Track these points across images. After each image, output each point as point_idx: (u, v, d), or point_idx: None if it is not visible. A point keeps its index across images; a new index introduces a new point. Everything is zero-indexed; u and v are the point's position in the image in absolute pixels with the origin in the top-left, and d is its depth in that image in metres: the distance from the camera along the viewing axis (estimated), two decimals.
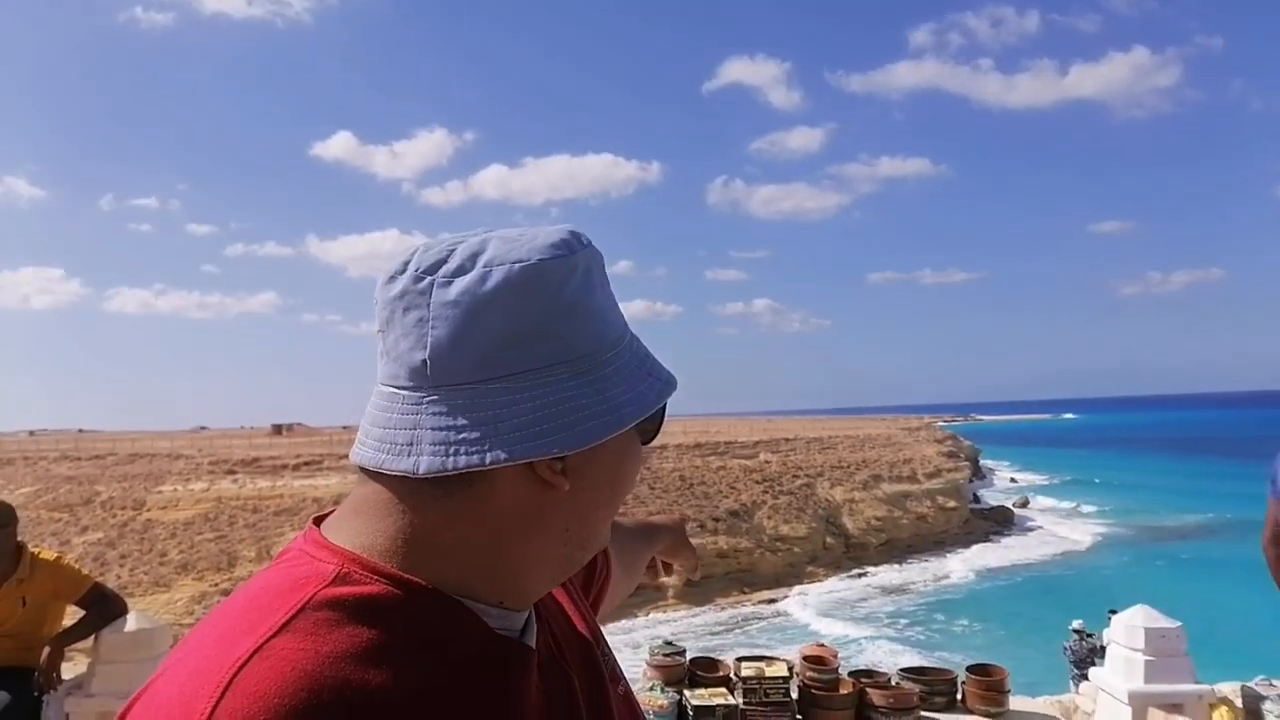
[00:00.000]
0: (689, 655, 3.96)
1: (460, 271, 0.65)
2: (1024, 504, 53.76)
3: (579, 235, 0.70)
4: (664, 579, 1.39)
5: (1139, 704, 3.97)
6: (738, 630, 28.16)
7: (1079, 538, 43.07)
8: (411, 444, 0.65)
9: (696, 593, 32.66)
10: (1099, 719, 4.39)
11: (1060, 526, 46.45)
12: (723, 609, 31.63)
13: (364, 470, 0.68)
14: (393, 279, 0.67)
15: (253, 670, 0.57)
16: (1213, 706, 4.01)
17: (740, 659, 3.84)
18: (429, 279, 0.66)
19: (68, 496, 38.08)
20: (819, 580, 35.33)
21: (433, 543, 0.66)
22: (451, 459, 0.63)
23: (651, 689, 3.64)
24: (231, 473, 41.53)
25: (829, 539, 38.40)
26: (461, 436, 0.64)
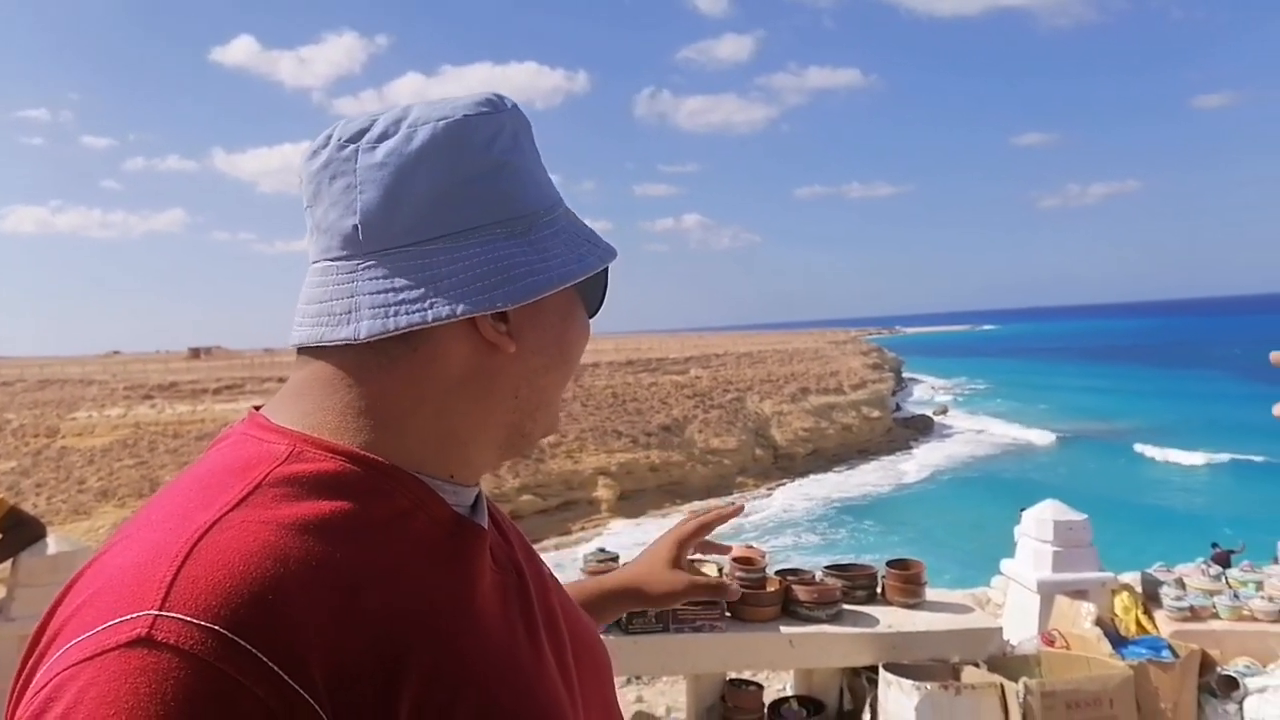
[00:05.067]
0: (622, 562, 4.05)
1: (384, 136, 0.64)
2: (943, 412, 55.79)
3: (504, 98, 0.69)
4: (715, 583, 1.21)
5: (1046, 592, 4.23)
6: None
7: (994, 441, 45.05)
8: (350, 311, 0.63)
9: (629, 505, 33.37)
10: (1009, 607, 4.67)
11: (978, 431, 48.44)
12: (656, 520, 32.43)
13: (302, 352, 0.67)
14: (316, 153, 0.66)
15: (213, 540, 0.55)
16: (1114, 592, 4.29)
17: None
18: (353, 146, 0.64)
19: None
20: (749, 489, 36.38)
21: (382, 415, 0.65)
22: (393, 319, 0.62)
23: None
24: (149, 398, 40.27)
25: (758, 450, 39.42)
26: (401, 297, 0.63)
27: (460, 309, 0.63)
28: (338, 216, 0.64)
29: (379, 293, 0.63)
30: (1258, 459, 32.29)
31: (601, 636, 3.30)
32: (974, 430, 48.99)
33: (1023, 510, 4.69)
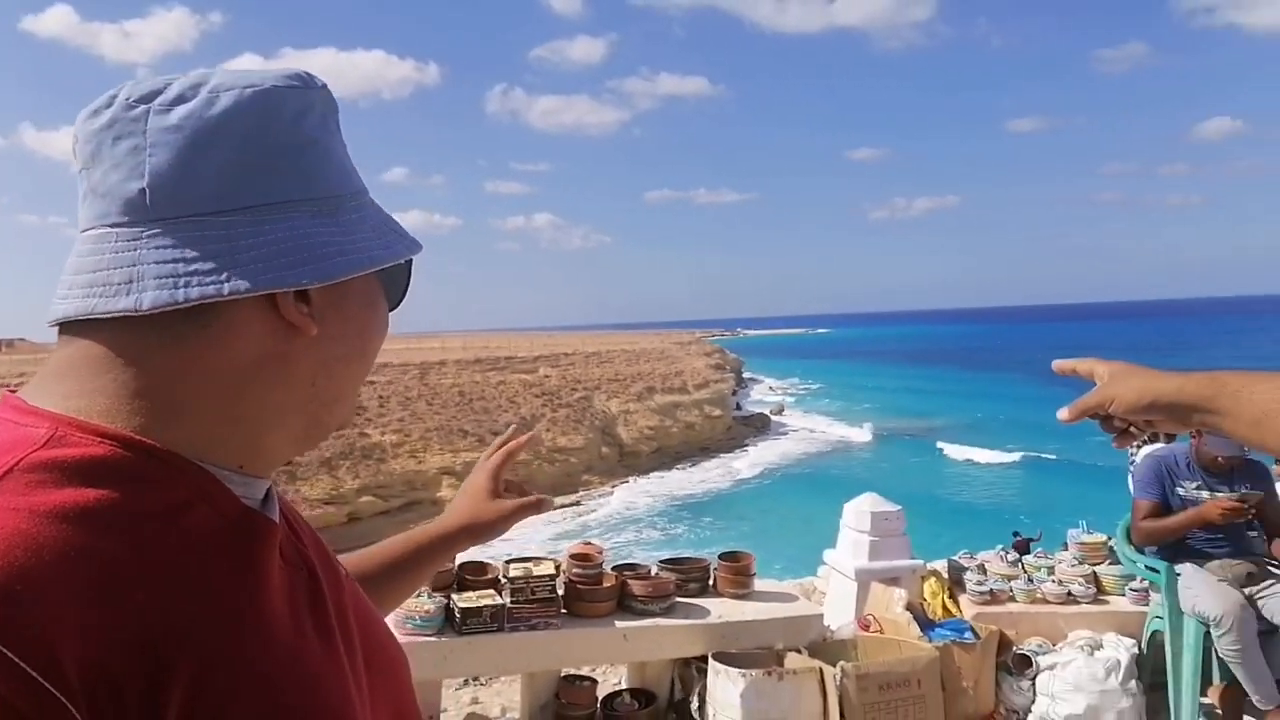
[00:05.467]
0: (457, 560, 3.98)
1: (181, 99, 0.60)
2: (779, 411, 58.21)
3: (314, 76, 0.67)
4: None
5: (863, 579, 4.49)
6: (518, 539, 28.65)
7: (825, 439, 47.45)
8: (131, 281, 0.58)
9: None
10: (830, 595, 4.92)
11: (810, 429, 50.88)
12: None
13: (66, 330, 0.60)
14: (97, 112, 0.60)
15: None
16: (924, 578, 4.61)
17: (509, 560, 3.91)
18: (144, 107, 0.60)
19: None
20: (595, 488, 36.63)
21: (163, 398, 0.59)
22: (183, 290, 0.57)
23: (418, 595, 3.64)
24: None
25: (604, 449, 39.77)
26: (193, 268, 0.57)
27: (261, 284, 0.58)
28: (120, 179, 0.59)
29: (167, 262, 0.58)
30: (1049, 457, 35.59)
31: (435, 639, 3.17)
32: (807, 428, 51.46)
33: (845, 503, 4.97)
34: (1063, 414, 1.04)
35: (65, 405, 0.58)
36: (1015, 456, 37.09)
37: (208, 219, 0.59)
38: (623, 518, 32.26)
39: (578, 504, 34.33)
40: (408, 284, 0.73)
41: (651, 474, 39.40)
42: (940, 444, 41.42)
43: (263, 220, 0.60)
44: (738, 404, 56.48)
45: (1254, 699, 3.77)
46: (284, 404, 0.64)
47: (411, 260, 0.72)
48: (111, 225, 0.59)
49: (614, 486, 37.18)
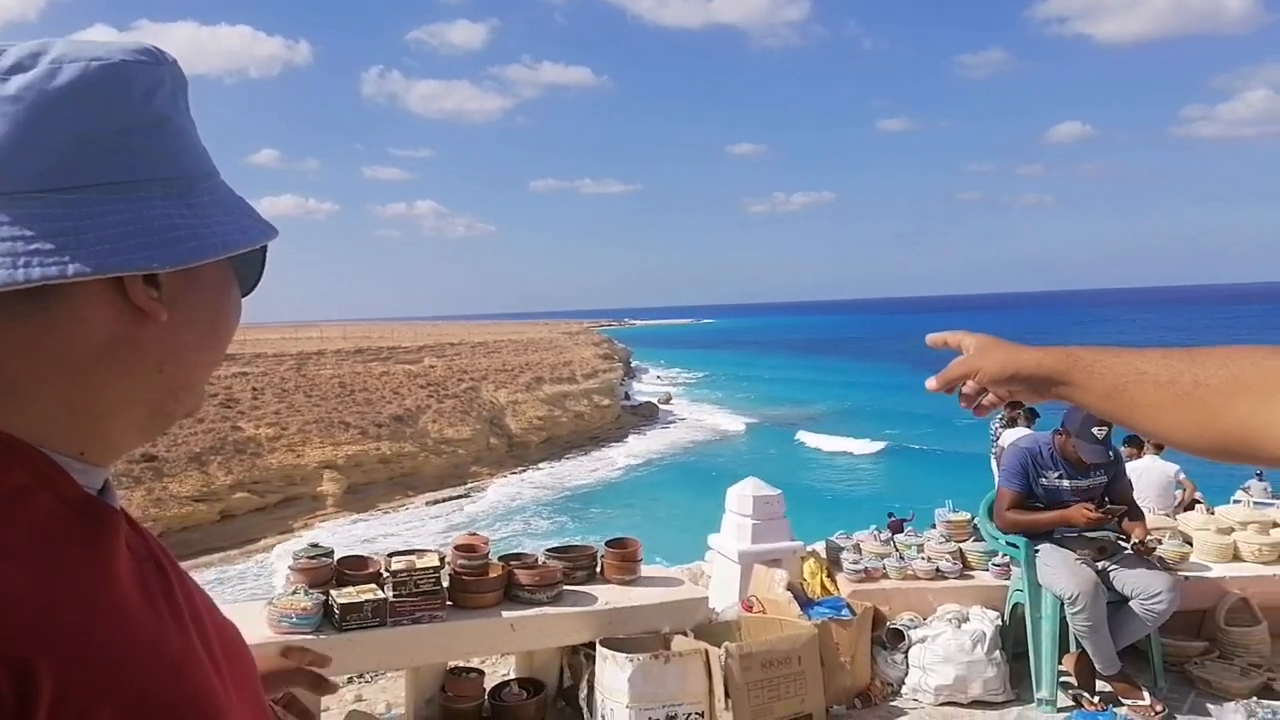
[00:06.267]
0: (335, 556, 3.86)
1: (19, 68, 0.56)
2: (667, 400, 58.94)
3: (163, 51, 0.63)
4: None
5: (746, 561, 4.60)
6: (405, 533, 28.01)
7: (712, 427, 48.36)
8: None
9: (357, 499, 31.90)
10: (715, 578, 5.02)
11: (696, 417, 51.78)
12: (385, 513, 31.27)
13: None
14: None
15: None
16: (804, 559, 4.76)
17: (391, 554, 3.81)
18: None
19: None
20: (484, 479, 36.16)
21: (1, 379, 0.56)
22: (23, 270, 0.54)
23: (294, 593, 3.51)
24: None
25: (493, 439, 39.29)
26: (34, 247, 0.54)
27: (107, 266, 0.56)
28: None
29: (5, 240, 0.54)
30: (916, 447, 37.45)
31: (315, 636, 3.03)
32: (692, 417, 52.34)
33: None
34: (931, 383, 1.09)
35: None
36: (887, 444, 38.72)
37: (49, 195, 0.56)
38: (511, 508, 31.99)
39: (466, 496, 33.83)
40: (262, 270, 0.71)
41: (541, 464, 39.20)
42: (816, 431, 42.85)
43: (109, 200, 0.57)
44: (626, 393, 56.83)
45: (1099, 668, 4.08)
46: (129, 390, 0.62)
47: (266, 247, 0.70)
48: None
49: (503, 477, 36.80)
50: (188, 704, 0.58)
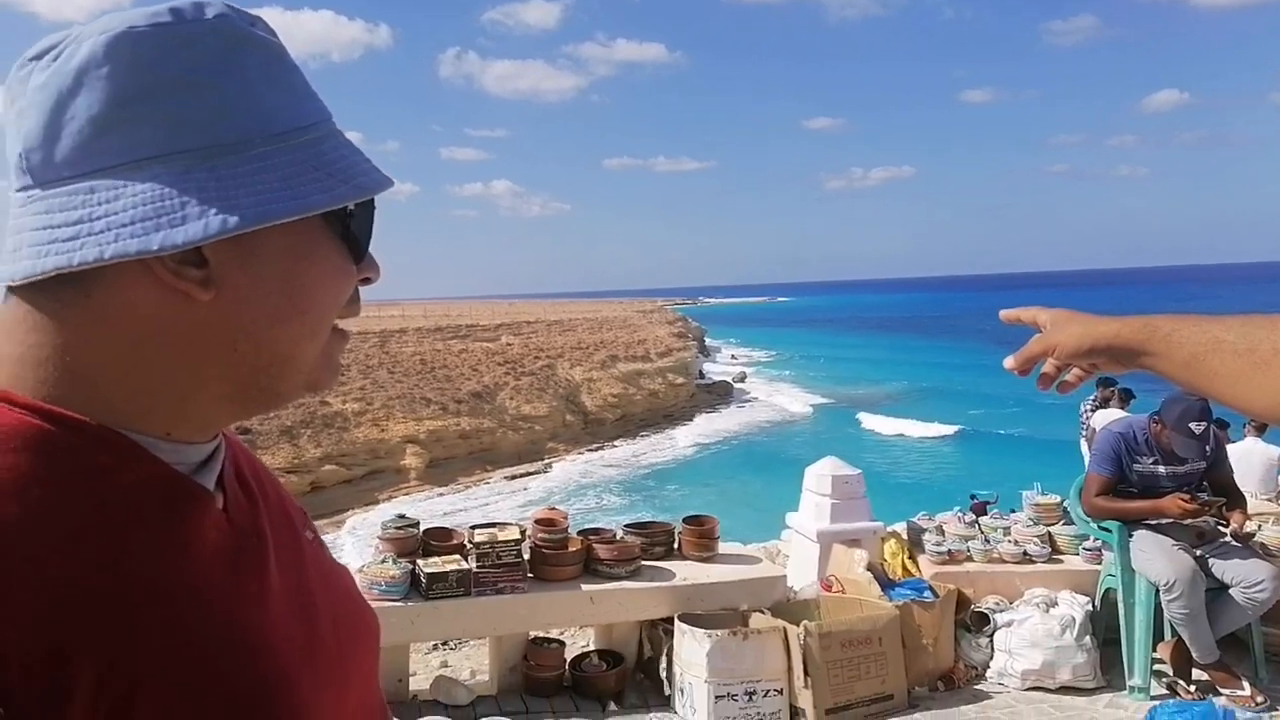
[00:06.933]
0: (422, 527, 3.98)
1: (44, 54, 0.56)
2: (742, 378, 58.54)
3: (202, 6, 0.58)
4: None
5: (825, 541, 4.56)
6: (484, 506, 28.65)
7: (787, 406, 47.88)
8: (16, 250, 0.55)
9: (439, 473, 32.71)
10: (793, 557, 5.00)
11: (772, 397, 51.31)
12: (465, 487, 31.99)
13: None
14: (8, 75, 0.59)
15: None
16: (884, 539, 4.69)
17: (474, 527, 3.91)
18: (30, 65, 0.56)
19: None
20: (560, 455, 36.65)
21: (68, 367, 0.56)
22: (41, 261, 0.54)
23: (383, 561, 3.63)
24: None
25: (569, 416, 39.73)
26: (55, 235, 0.54)
27: (109, 252, 0.53)
28: (10, 145, 0.57)
29: (39, 229, 0.55)
30: (1000, 431, 36.19)
31: (401, 605, 3.11)
32: (767, 396, 51.83)
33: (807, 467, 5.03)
34: (1008, 362, 1.05)
35: None
36: (966, 426, 37.64)
37: (72, 182, 0.55)
38: (586, 485, 32.35)
39: (542, 471, 34.36)
40: (369, 234, 0.65)
41: (616, 441, 39.48)
42: (892, 413, 41.96)
43: (126, 180, 0.55)
44: (700, 372, 56.70)
45: (1196, 656, 3.92)
46: (202, 369, 0.59)
47: (374, 207, 0.65)
48: (16, 191, 0.58)
49: (578, 453, 37.22)
50: (249, 691, 0.56)
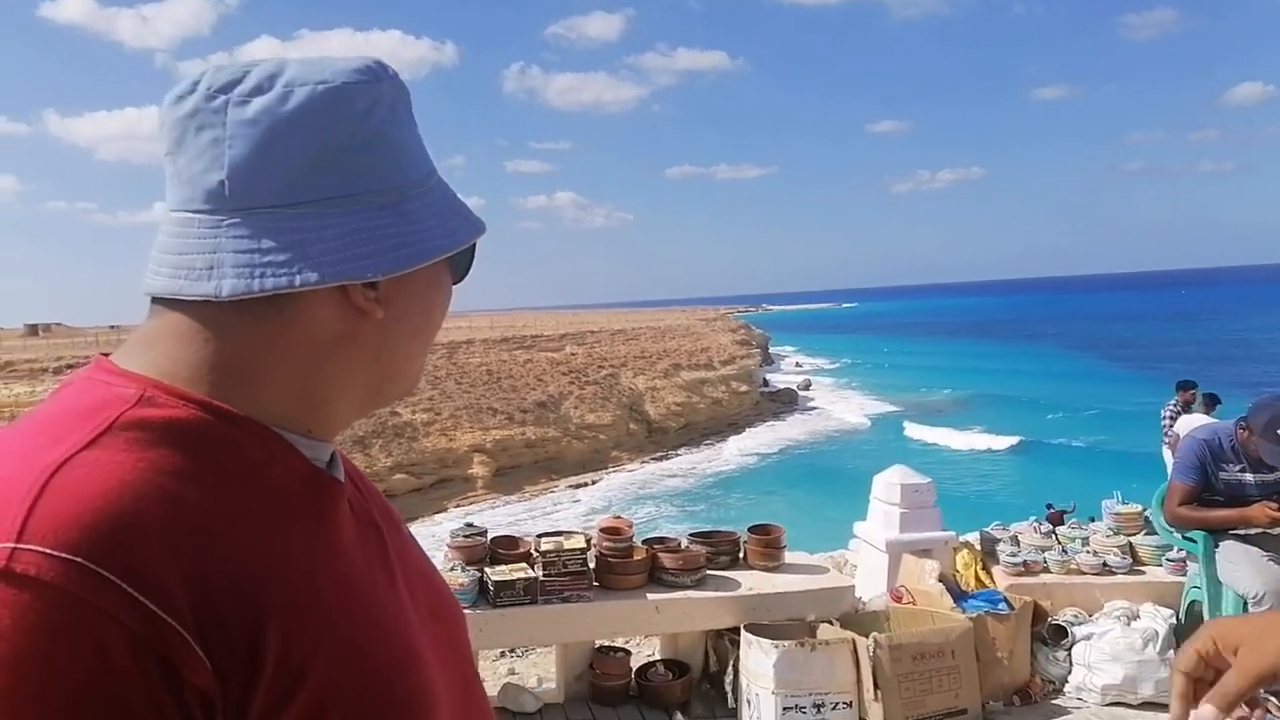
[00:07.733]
0: (489, 535, 4.03)
1: (258, 91, 0.63)
2: (806, 386, 57.92)
3: (385, 66, 0.69)
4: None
5: (894, 551, 4.48)
6: (548, 514, 28.89)
7: (852, 414, 47.12)
8: (212, 268, 0.62)
9: (505, 482, 33.10)
10: (861, 567, 4.92)
11: (837, 405, 50.58)
12: (531, 496, 32.31)
13: (156, 302, 0.66)
14: (181, 99, 0.64)
15: (67, 477, 0.54)
16: (956, 550, 4.58)
17: (540, 535, 3.94)
18: (223, 98, 0.63)
19: None
20: (623, 464, 36.75)
21: (240, 371, 0.64)
22: (259, 280, 0.62)
23: (452, 569, 3.68)
24: None
25: (632, 425, 39.84)
26: (268, 259, 0.62)
27: (330, 276, 0.63)
28: (202, 170, 0.63)
29: (244, 252, 0.62)
30: (1076, 443, 34.88)
31: (469, 612, 3.20)
32: (832, 404, 51.12)
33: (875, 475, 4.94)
34: (1205, 712, 0.80)
35: (151, 370, 0.63)
36: (1036, 437, 36.39)
37: (280, 210, 0.63)
38: (650, 493, 32.34)
39: (606, 480, 34.48)
40: (471, 259, 0.76)
41: (679, 449, 39.42)
42: (966, 423, 40.92)
43: (331, 213, 0.64)
44: (764, 379, 56.26)
45: None
46: (350, 377, 0.69)
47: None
48: (195, 211, 0.64)
49: (642, 462, 37.26)
50: (388, 665, 0.63)
